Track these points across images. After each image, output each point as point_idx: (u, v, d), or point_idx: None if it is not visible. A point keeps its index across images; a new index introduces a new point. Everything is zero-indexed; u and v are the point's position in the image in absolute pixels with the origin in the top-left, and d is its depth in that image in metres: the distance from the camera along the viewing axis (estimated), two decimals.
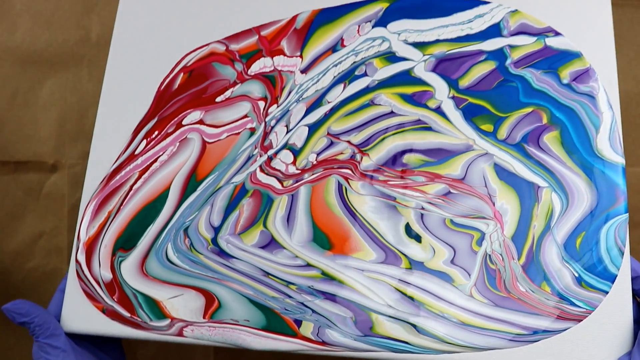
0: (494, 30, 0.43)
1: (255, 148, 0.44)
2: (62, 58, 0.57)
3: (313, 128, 0.44)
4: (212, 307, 0.41)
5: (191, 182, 0.44)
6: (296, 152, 0.43)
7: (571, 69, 0.42)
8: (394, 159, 0.42)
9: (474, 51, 0.43)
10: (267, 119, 0.44)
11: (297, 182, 0.43)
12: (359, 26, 0.45)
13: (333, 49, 0.44)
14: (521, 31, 0.43)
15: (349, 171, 0.42)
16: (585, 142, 0.41)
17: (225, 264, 0.42)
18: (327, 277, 0.41)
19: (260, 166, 0.43)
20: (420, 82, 0.43)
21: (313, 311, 0.40)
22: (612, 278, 0.39)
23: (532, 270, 0.39)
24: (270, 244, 0.42)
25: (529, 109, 0.41)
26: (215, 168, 0.44)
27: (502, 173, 0.41)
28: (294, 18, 0.45)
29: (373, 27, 0.44)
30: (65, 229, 0.57)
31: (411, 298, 0.40)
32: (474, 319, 0.39)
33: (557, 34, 0.42)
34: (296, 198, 0.42)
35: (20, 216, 0.57)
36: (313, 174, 0.43)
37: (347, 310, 0.40)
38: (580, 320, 0.39)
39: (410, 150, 0.42)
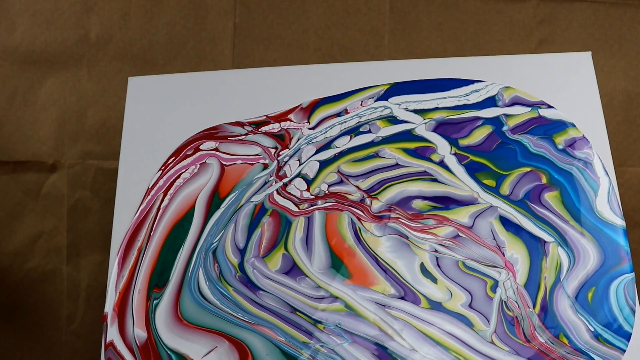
0: (490, 102, 0.45)
1: (271, 177, 0.46)
2: (61, 58, 0.57)
3: (324, 164, 0.46)
4: None
5: (214, 200, 0.46)
6: (309, 181, 0.46)
7: (566, 137, 0.44)
8: (403, 202, 0.44)
9: (472, 117, 0.45)
10: (279, 158, 0.47)
11: (311, 206, 0.45)
12: (362, 101, 0.47)
13: (338, 114, 0.47)
14: (515, 102, 0.45)
15: (360, 212, 0.44)
16: (586, 204, 0.42)
17: (253, 299, 0.43)
18: (351, 310, 0.42)
19: (277, 190, 0.46)
20: (422, 139, 0.45)
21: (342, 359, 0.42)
22: (627, 336, 0.40)
23: (549, 321, 0.41)
24: (293, 269, 0.44)
25: (528, 169, 0.43)
26: (235, 187, 0.46)
27: (509, 225, 0.43)
28: (299, 105, 0.48)
29: (375, 101, 0.47)
30: (65, 229, 0.57)
31: (436, 341, 0.41)
32: None
33: (549, 106, 0.45)
34: (312, 222, 0.44)
35: (19, 216, 0.57)
36: (326, 202, 0.45)
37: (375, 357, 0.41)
38: None
39: (418, 197, 0.44)
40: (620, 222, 0.42)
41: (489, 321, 0.41)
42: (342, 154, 0.46)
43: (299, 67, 0.51)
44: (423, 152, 0.45)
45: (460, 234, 0.43)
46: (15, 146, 0.57)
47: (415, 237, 0.43)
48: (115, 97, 0.58)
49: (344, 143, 0.46)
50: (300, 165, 0.46)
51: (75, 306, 0.58)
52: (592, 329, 0.40)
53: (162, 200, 0.46)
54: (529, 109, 0.45)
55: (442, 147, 0.45)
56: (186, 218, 0.46)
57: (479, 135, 0.45)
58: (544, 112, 0.45)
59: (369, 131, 0.46)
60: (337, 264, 0.43)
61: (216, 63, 0.58)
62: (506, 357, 0.40)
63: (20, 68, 0.57)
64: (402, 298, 0.42)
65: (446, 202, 0.44)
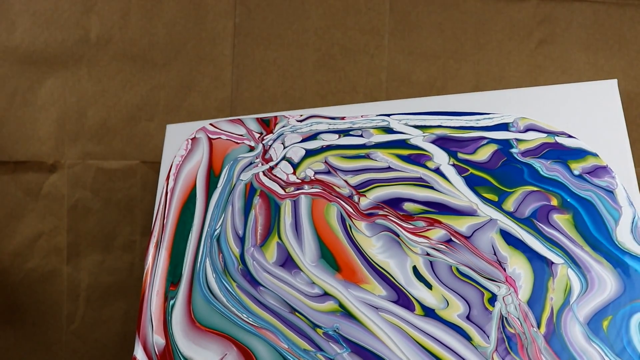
0: (502, 127, 0.43)
1: (257, 159, 0.47)
2: (61, 58, 0.57)
3: (310, 153, 0.46)
4: None
5: (211, 178, 0.47)
6: (294, 165, 0.46)
7: (584, 164, 0.41)
8: (393, 203, 0.43)
9: (477, 137, 0.43)
10: (264, 142, 0.47)
11: (297, 189, 0.45)
12: (362, 115, 0.47)
13: (332, 117, 0.47)
14: (530, 129, 0.42)
15: (350, 209, 0.43)
16: (604, 231, 0.39)
17: (255, 297, 0.44)
18: (346, 311, 0.42)
19: (264, 172, 0.46)
20: (417, 148, 0.43)
21: None
22: None
23: (556, 344, 0.38)
24: (287, 261, 0.44)
25: (535, 189, 0.41)
26: (224, 162, 0.48)
27: (510, 238, 0.40)
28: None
29: (376, 116, 0.46)
30: (65, 229, 0.57)
31: (432, 353, 0.39)
32: None
33: (570, 136, 0.42)
34: (298, 205, 0.45)
35: (19, 216, 0.57)
36: (312, 188, 0.45)
37: None
38: None
39: (411, 200, 0.42)
40: None
41: (488, 337, 0.39)
42: (329, 148, 0.46)
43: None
44: (417, 159, 0.43)
45: (453, 238, 0.41)
46: (15, 146, 0.57)
47: (406, 238, 0.42)
48: (115, 97, 0.58)
49: (332, 139, 0.46)
50: (284, 148, 0.46)
51: (75, 306, 0.58)
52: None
53: (168, 184, 0.48)
54: (544, 135, 0.42)
55: (439, 157, 0.43)
56: (191, 199, 0.47)
57: (484, 153, 0.42)
58: (562, 140, 0.42)
59: (361, 135, 0.46)
60: (327, 255, 0.43)
61: (216, 63, 0.58)
62: None
63: (20, 68, 0.57)
64: (396, 302, 0.41)
65: (441, 208, 0.42)
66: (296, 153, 0.46)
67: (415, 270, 0.41)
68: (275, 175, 0.46)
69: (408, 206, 0.42)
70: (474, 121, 0.43)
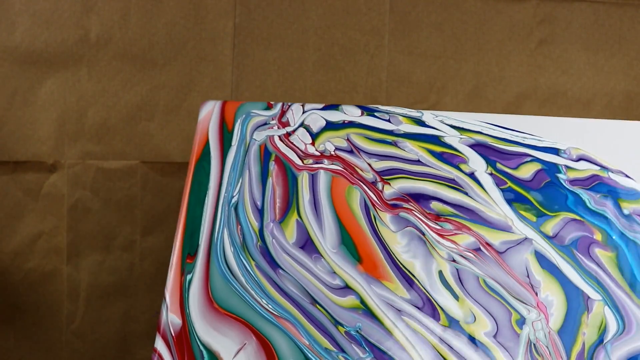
0: (552, 151, 0.40)
1: (273, 120, 0.44)
2: (61, 58, 0.57)
3: (330, 125, 0.43)
4: None
5: (225, 134, 0.45)
6: (313, 135, 0.43)
7: (636, 206, 0.39)
8: (420, 198, 0.41)
9: (521, 152, 0.40)
10: (283, 103, 0.45)
11: (316, 163, 0.43)
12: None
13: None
14: (583, 159, 0.40)
15: (373, 196, 0.42)
16: None
17: (274, 281, 0.42)
18: (367, 309, 0.40)
19: (279, 136, 0.44)
20: (452, 148, 0.41)
21: None
22: None
23: None
24: (307, 243, 0.42)
25: (579, 218, 0.39)
26: (237, 115, 0.45)
27: (545, 262, 0.39)
28: None
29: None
30: (65, 229, 0.57)
31: None
32: None
33: (626, 176, 0.40)
34: (316, 181, 0.43)
35: (19, 216, 0.57)
36: (332, 164, 0.42)
37: None
38: None
39: (440, 200, 0.40)
40: None
41: None
42: (352, 124, 0.43)
43: None
44: (451, 159, 0.41)
45: (483, 248, 0.39)
46: (15, 146, 0.57)
47: (432, 239, 0.40)
48: (115, 97, 0.58)
49: (354, 114, 0.43)
50: (304, 112, 0.44)
51: (75, 306, 0.58)
52: None
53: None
54: (597, 167, 0.40)
55: (476, 162, 0.40)
56: (204, 156, 0.44)
57: (527, 170, 0.40)
58: (616, 177, 0.40)
59: (388, 120, 0.43)
60: (348, 242, 0.41)
61: (216, 63, 0.58)
62: None
63: (20, 68, 0.57)
64: (420, 309, 0.39)
65: (472, 216, 0.40)
66: (315, 122, 0.43)
67: (441, 275, 0.39)
68: (292, 143, 0.43)
69: (436, 205, 0.40)
70: (520, 137, 0.41)
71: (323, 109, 0.44)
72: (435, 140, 0.42)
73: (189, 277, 0.42)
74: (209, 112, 0.46)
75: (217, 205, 0.44)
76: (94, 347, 0.58)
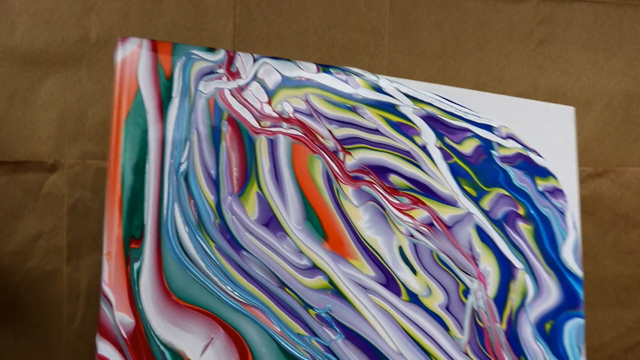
0: (487, 127, 0.45)
1: (220, 68, 0.39)
2: (61, 58, 0.57)
3: (287, 82, 0.40)
4: None
5: (162, 80, 0.38)
6: (270, 93, 0.40)
7: (546, 183, 0.45)
8: (380, 171, 0.42)
9: (463, 127, 0.44)
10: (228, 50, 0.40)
11: (274, 126, 0.40)
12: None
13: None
14: (511, 137, 0.45)
15: (335, 167, 0.41)
16: (554, 247, 0.45)
17: (238, 263, 0.39)
18: (336, 289, 0.41)
19: (231, 91, 0.39)
20: (406, 118, 0.43)
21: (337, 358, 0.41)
22: None
23: (513, 341, 0.43)
24: (271, 221, 0.40)
25: (507, 194, 0.44)
26: (174, 55, 0.38)
27: (484, 236, 0.44)
28: None
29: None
30: (65, 229, 0.57)
31: (414, 339, 0.41)
32: None
33: (539, 155, 0.46)
34: (276, 148, 0.40)
35: (19, 216, 0.57)
36: (292, 129, 0.40)
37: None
38: None
39: (397, 173, 0.43)
40: (580, 274, 0.45)
41: (462, 328, 0.42)
42: (310, 83, 0.41)
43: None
44: (406, 130, 0.43)
45: (435, 223, 0.43)
46: (15, 146, 0.57)
47: (393, 215, 0.42)
48: None
49: (311, 70, 0.41)
50: (255, 61, 0.40)
51: (75, 306, 0.58)
52: None
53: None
54: (520, 146, 0.45)
55: (427, 135, 0.43)
56: (136, 110, 0.37)
57: (468, 146, 0.44)
58: (533, 157, 0.46)
59: (346, 82, 0.42)
60: (313, 217, 0.40)
61: None
62: None
63: (20, 68, 0.57)
64: (385, 286, 0.41)
65: (426, 190, 0.43)
66: (269, 75, 0.40)
67: (401, 251, 0.42)
68: (246, 100, 0.39)
69: (394, 179, 0.42)
70: (463, 112, 0.45)
71: (275, 58, 0.41)
72: (392, 108, 0.43)
73: (136, 265, 0.37)
74: (135, 52, 0.38)
75: (162, 175, 0.37)
76: (94, 347, 0.58)
